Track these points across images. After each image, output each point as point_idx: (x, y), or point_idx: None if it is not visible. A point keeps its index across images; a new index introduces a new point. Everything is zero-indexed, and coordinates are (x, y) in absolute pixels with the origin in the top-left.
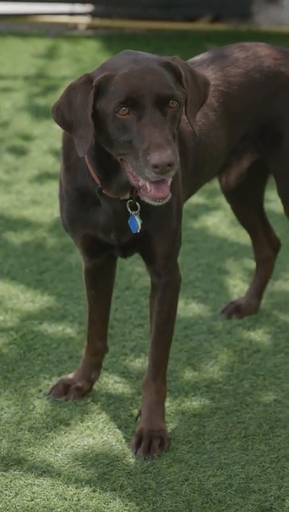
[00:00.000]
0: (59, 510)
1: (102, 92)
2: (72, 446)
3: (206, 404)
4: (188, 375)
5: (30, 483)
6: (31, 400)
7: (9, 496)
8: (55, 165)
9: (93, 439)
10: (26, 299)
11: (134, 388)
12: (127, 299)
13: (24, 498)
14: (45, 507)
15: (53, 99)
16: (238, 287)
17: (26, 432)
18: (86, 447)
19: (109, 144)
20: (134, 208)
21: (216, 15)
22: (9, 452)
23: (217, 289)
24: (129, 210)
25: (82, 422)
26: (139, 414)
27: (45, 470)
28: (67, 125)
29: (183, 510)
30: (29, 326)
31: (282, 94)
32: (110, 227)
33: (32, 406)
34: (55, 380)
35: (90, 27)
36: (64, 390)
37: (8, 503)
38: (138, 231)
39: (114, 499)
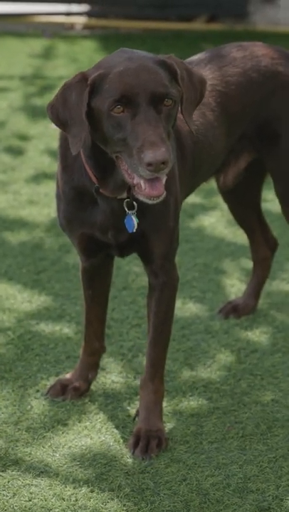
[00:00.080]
0: (57, 510)
1: (97, 90)
2: (69, 447)
3: (203, 404)
4: (186, 375)
5: (28, 484)
6: (29, 400)
7: (7, 496)
8: (52, 165)
9: (91, 439)
10: (23, 299)
11: (131, 388)
12: (124, 299)
13: (22, 498)
14: (43, 507)
15: (50, 99)
16: (236, 287)
17: (24, 432)
18: (84, 447)
19: (104, 142)
20: (131, 207)
21: (212, 15)
22: (7, 452)
23: (214, 288)
24: (126, 209)
25: (79, 422)
26: (137, 414)
27: (42, 470)
28: (61, 123)
29: (181, 510)
30: (26, 326)
31: (279, 94)
32: (108, 227)
33: (29, 406)
34: (52, 380)
35: (86, 27)
36: (61, 390)
37: (5, 503)
38: (134, 230)
39: (112, 499)
